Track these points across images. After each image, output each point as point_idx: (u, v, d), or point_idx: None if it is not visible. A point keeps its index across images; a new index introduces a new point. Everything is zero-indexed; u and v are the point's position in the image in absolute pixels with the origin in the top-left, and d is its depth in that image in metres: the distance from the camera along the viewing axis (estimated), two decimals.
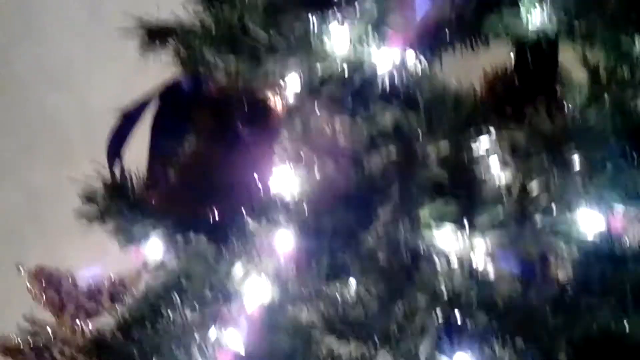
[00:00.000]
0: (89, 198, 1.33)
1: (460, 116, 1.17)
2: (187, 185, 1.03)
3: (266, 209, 1.08)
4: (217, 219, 1.04)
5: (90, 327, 1.70)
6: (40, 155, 2.55)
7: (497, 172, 1.11)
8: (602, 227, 1.04)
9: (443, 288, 0.93)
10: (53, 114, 2.56)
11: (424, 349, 1.01)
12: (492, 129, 1.13)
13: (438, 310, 0.93)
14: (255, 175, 1.06)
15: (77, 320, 1.68)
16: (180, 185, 1.04)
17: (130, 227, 1.35)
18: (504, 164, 1.12)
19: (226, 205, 1.04)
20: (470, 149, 1.11)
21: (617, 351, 1.12)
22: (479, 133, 1.13)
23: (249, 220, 1.06)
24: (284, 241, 1.07)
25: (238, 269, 1.07)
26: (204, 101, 1.08)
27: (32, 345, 1.61)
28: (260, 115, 1.05)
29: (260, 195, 1.08)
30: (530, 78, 1.32)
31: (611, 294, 1.13)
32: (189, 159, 1.04)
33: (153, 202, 1.07)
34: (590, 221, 1.06)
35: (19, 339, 1.62)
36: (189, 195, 1.03)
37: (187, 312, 1.45)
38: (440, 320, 0.93)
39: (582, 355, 1.11)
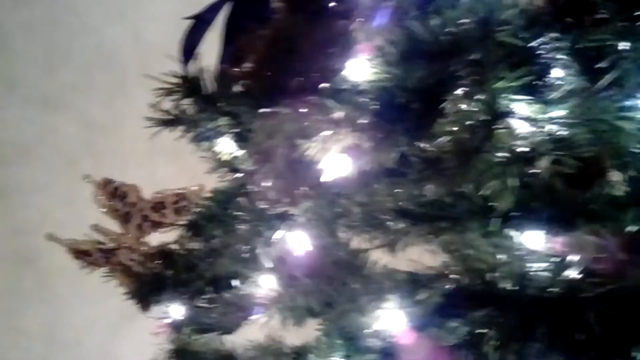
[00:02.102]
0: (167, 93, 1.36)
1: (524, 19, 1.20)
2: (270, 59, 1.07)
3: (342, 90, 1.12)
4: (297, 92, 1.08)
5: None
6: (96, 87, 2.61)
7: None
8: None
9: (519, 146, 0.97)
10: (109, 47, 2.62)
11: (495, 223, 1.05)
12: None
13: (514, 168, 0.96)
14: (333, 56, 1.09)
15: (143, 231, 1.72)
16: (263, 59, 1.08)
17: (204, 124, 1.40)
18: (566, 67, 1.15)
19: (307, 79, 1.08)
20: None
21: None
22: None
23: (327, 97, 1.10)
24: (361, 119, 1.11)
25: (315, 143, 1.11)
26: None
27: (100, 249, 1.67)
28: None
29: (336, 76, 1.12)
30: None
31: None
32: (271, 33, 1.08)
33: (236, 78, 1.11)
34: None
35: (87, 244, 1.68)
36: (271, 68, 1.07)
37: (254, 213, 1.51)
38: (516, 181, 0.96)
39: None
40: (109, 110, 2.59)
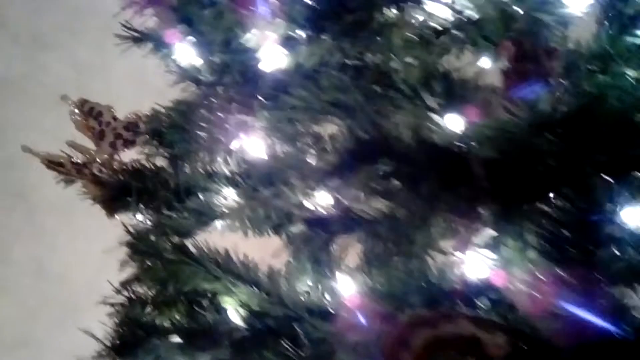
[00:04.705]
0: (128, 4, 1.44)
1: None
2: None
3: None
4: None
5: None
6: (85, 29, 2.69)
7: None
8: None
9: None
10: None
11: None
12: None
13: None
14: None
15: (116, 148, 1.81)
16: None
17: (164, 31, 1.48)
18: None
19: None
20: None
21: None
22: None
23: None
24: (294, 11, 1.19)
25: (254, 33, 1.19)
26: None
27: (73, 162, 1.76)
28: None
29: None
30: None
31: None
32: None
33: None
34: None
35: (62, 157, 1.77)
36: None
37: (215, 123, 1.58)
38: None
39: None
40: (97, 51, 2.67)
